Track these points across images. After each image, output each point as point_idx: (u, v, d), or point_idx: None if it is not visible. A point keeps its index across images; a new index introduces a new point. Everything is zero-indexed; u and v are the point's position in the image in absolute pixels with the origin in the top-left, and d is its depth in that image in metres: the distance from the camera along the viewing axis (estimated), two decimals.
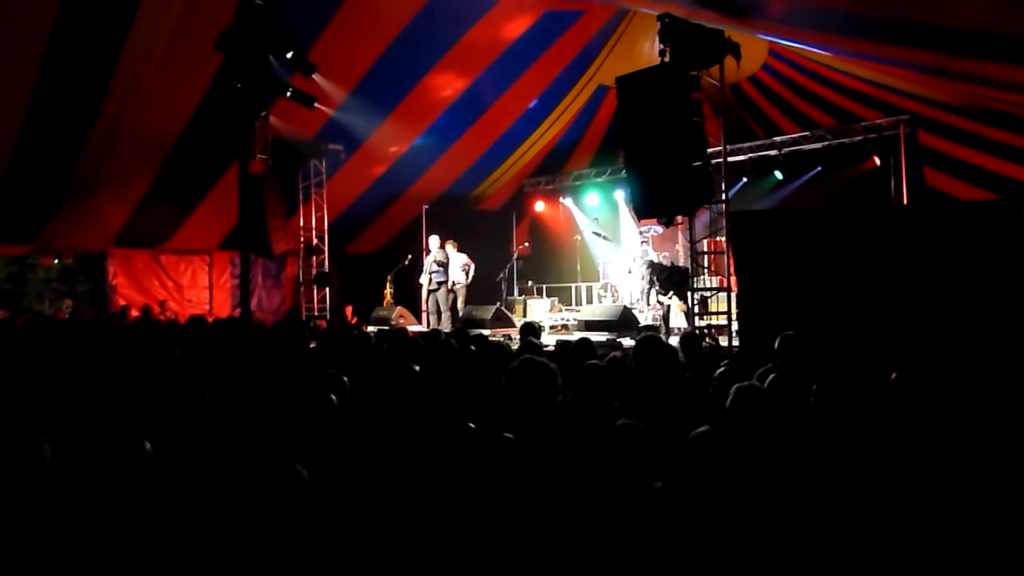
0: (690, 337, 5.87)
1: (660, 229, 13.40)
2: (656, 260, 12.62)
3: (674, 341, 7.55)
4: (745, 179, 13.71)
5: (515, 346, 7.03)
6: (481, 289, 13.60)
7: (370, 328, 11.74)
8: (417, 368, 4.18)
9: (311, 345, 6.58)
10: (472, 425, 2.98)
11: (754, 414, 3.16)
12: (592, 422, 3.06)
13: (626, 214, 15.45)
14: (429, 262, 12.17)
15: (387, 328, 10.82)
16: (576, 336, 10.32)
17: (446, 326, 11.20)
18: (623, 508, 2.63)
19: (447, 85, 12.66)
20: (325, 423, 3.43)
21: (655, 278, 10.98)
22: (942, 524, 2.68)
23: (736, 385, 3.28)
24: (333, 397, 3.62)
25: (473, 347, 5.18)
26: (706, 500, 2.60)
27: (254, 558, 2.22)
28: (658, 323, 11.58)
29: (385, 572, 2.49)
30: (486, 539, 2.52)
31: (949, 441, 3.14)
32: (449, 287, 12.15)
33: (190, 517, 2.44)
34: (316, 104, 11.15)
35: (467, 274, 12.22)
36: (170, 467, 2.78)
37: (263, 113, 11.30)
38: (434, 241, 12.33)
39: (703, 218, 10.14)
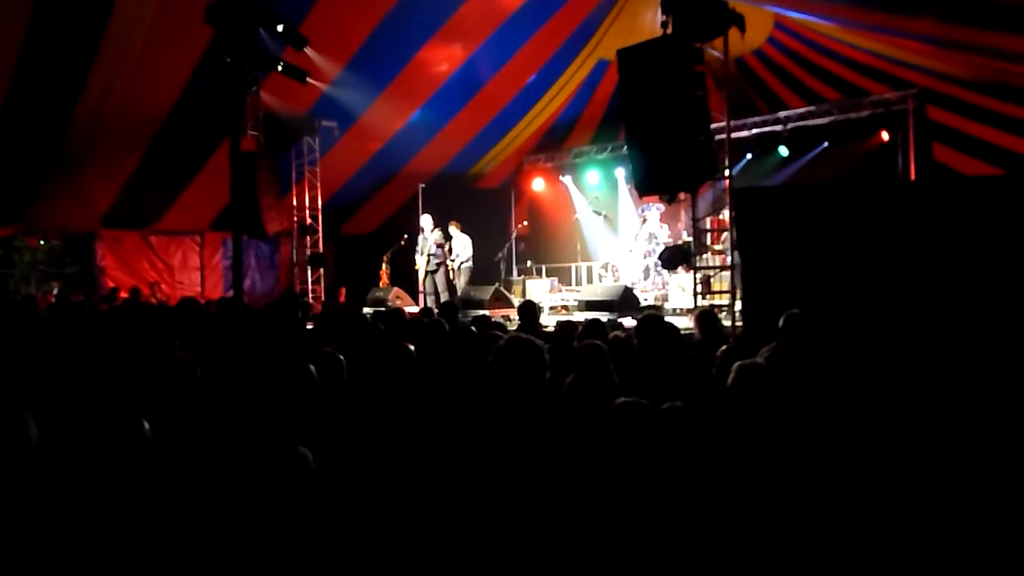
0: (706, 314, 5.83)
1: (662, 207, 13.38)
2: (661, 236, 12.65)
3: (679, 321, 7.57)
4: (750, 155, 13.69)
5: (514, 327, 7.05)
6: (479, 269, 13.60)
7: (366, 310, 11.77)
8: (412, 348, 4.23)
9: (307, 326, 6.59)
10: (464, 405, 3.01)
11: (756, 392, 3.17)
12: (593, 401, 3.08)
13: (627, 193, 15.44)
14: (429, 243, 12.18)
15: (383, 309, 10.91)
16: (577, 317, 10.44)
17: None
18: (620, 486, 2.65)
19: (443, 59, 12.58)
20: (321, 402, 3.44)
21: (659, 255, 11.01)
22: (947, 510, 2.70)
23: (738, 363, 3.28)
24: (329, 376, 3.65)
25: (474, 328, 5.19)
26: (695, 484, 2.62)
27: (258, 542, 2.22)
28: (660, 303, 11.61)
29: (385, 556, 2.51)
30: (482, 523, 2.55)
31: (954, 422, 3.16)
32: (454, 268, 12.22)
33: (191, 501, 2.45)
34: (308, 79, 11.07)
35: (468, 255, 12.35)
36: (167, 448, 2.79)
37: (254, 88, 11.24)
38: (427, 221, 12.33)
39: (706, 195, 10.12)
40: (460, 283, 12.25)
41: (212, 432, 3.16)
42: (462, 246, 12.48)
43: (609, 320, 9.08)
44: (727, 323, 8.65)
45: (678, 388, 3.59)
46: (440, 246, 12.11)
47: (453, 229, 12.27)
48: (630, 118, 8.85)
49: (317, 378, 3.45)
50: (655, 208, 13.14)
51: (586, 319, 5.32)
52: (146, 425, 2.52)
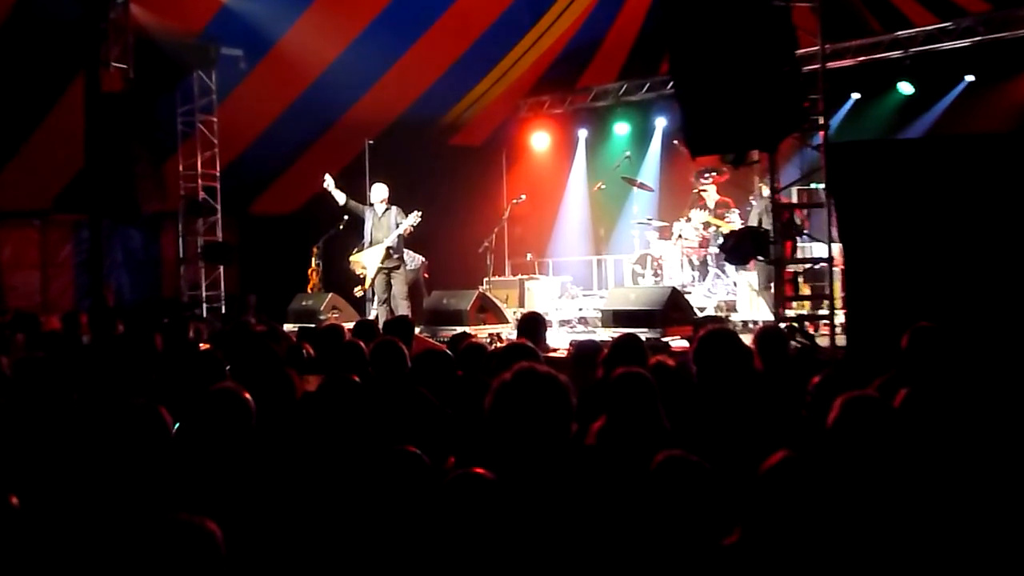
0: (770, 334, 5.89)
1: (722, 173, 13.40)
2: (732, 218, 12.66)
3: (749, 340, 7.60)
4: (856, 95, 13.71)
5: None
6: (454, 265, 13.61)
7: (288, 327, 11.72)
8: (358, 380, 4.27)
9: (201, 347, 6.63)
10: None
11: (870, 438, 3.21)
12: (635, 459, 3.12)
13: (671, 152, 15.46)
14: (384, 227, 12.03)
15: (312, 326, 10.85)
16: (603, 334, 10.44)
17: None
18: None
19: None
20: (203, 462, 3.53)
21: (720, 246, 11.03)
22: None
23: (844, 396, 3.32)
24: (229, 425, 3.73)
25: (450, 352, 5.24)
26: (793, 561, 2.67)
27: None
28: (725, 313, 11.62)
29: None
30: None
31: None
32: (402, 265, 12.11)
33: None
34: None
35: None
36: None
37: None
38: (378, 192, 12.24)
39: (791, 156, 10.15)
40: (396, 288, 12.09)
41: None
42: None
43: (650, 339, 9.10)
44: (824, 341, 8.71)
45: (757, 436, 3.64)
46: (400, 236, 11.99)
47: (416, 213, 12.05)
48: (677, 42, 8.88)
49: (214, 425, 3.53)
50: (713, 175, 13.15)
51: (615, 336, 5.36)
52: None
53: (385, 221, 11.96)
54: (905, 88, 13.32)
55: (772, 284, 9.60)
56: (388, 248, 11.76)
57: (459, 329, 10.59)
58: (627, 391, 3.80)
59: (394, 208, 12.00)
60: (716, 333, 4.53)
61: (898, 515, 3.04)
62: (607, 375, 4.39)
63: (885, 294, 6.59)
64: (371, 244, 12.00)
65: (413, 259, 13.16)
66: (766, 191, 11.61)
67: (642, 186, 14.70)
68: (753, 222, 11.41)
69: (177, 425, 3.86)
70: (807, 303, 9.37)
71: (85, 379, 5.33)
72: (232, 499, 3.35)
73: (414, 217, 11.77)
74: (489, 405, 3.18)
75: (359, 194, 12.69)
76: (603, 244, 15.31)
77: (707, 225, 12.97)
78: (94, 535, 3.06)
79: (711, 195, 13.14)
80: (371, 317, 11.76)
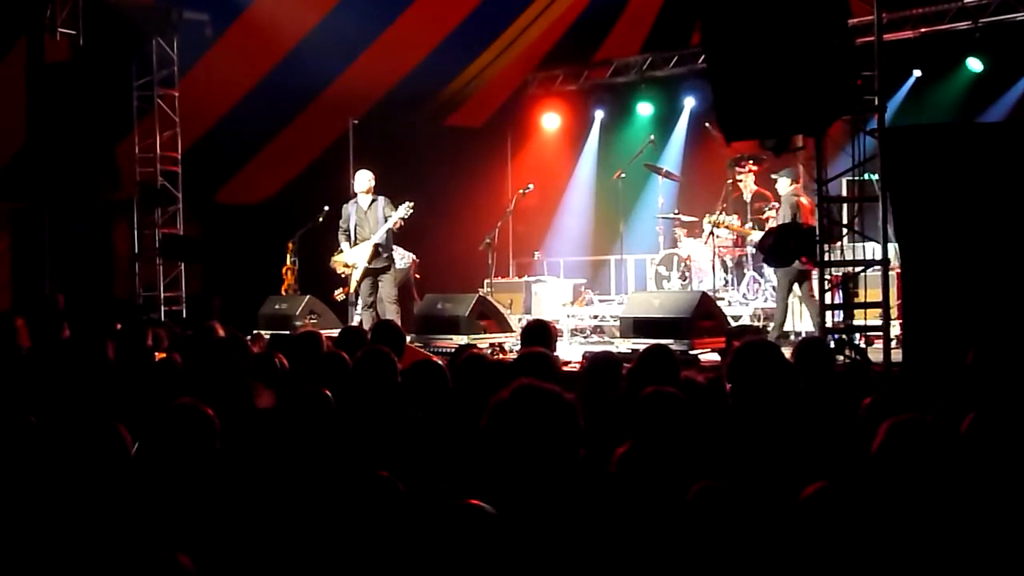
0: (812, 346, 5.86)
1: (762, 161, 13.37)
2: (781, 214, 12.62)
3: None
4: (917, 73, 13.73)
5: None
6: (450, 265, 13.59)
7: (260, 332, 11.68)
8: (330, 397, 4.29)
9: (156, 358, 6.61)
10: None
11: (922, 468, 3.22)
12: (664, 488, 3.14)
13: (701, 136, 15.44)
14: (370, 221, 12.01)
15: (287, 333, 10.82)
16: (622, 345, 10.40)
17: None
18: None
19: None
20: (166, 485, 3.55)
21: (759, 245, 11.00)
22: None
23: (891, 420, 3.33)
24: (189, 444, 3.75)
25: (456, 366, 5.24)
26: None
27: None
28: (762, 322, 11.58)
29: None
30: None
31: None
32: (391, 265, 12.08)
33: None
34: None
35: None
36: None
37: None
38: (362, 181, 12.20)
39: (841, 142, 10.10)
40: (384, 291, 12.09)
41: None
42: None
43: (679, 351, 9.08)
44: (878, 356, 8.66)
45: (799, 464, 3.62)
46: (389, 231, 11.94)
47: (406, 204, 12.03)
48: (710, 9, 8.85)
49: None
50: (750, 163, 13.13)
51: (638, 349, 5.33)
52: None
53: (372, 214, 11.93)
54: (974, 64, 13.30)
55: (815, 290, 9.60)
56: (376, 245, 11.72)
57: (455, 338, 10.58)
58: (659, 413, 3.80)
59: (381, 199, 11.98)
60: (755, 346, 4.49)
61: (951, 555, 3.03)
62: (632, 393, 4.37)
63: (948, 303, 6.55)
64: (356, 242, 11.96)
65: (403, 256, 13.10)
66: (784, 187, 11.66)
67: (668, 175, 14.68)
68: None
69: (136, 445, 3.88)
70: (858, 312, 9.30)
71: (24, 392, 5.31)
72: (197, 527, 3.40)
73: (404, 209, 11.71)
74: (485, 426, 3.17)
75: (342, 182, 12.67)
76: (622, 242, 15.24)
77: (733, 230, 12.93)
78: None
79: (748, 186, 13.11)
80: (354, 323, 11.74)
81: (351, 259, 11.93)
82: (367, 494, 3.18)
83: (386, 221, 11.68)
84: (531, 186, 15.05)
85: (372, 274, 11.90)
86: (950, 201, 6.73)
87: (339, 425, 4.31)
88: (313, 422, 4.20)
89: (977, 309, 6.33)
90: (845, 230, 10.26)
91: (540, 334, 6.55)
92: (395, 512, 3.12)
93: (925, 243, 6.91)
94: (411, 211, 11.73)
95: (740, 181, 13.15)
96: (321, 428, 4.20)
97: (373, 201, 11.93)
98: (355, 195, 12.13)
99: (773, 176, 11.94)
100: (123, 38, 12.91)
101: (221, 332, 7.24)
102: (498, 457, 3.12)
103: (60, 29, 11.15)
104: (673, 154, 15.93)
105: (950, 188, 6.75)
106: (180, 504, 3.53)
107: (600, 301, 14.60)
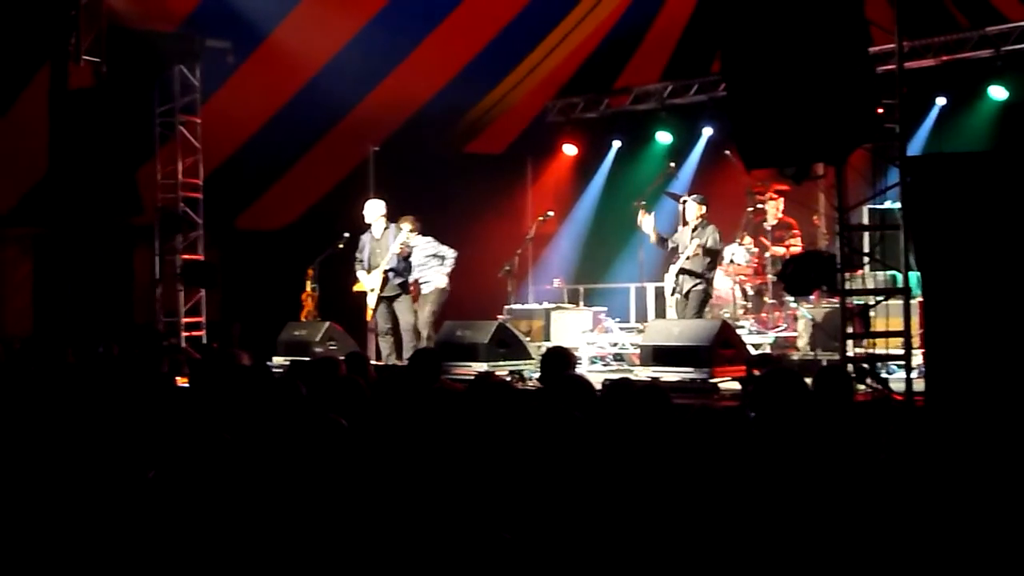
0: (832, 375, 5.84)
1: (782, 193, 13.36)
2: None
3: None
4: (942, 100, 13.70)
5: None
6: (470, 292, 13.57)
7: (278, 360, 11.71)
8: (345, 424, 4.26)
9: (177, 383, 6.64)
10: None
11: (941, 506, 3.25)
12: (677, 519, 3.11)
13: (720, 164, 15.42)
14: (385, 249, 12.06)
15: (306, 360, 10.82)
16: (641, 373, 10.37)
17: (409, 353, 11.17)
18: None
19: None
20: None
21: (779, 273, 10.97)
22: None
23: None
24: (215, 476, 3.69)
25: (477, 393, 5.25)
26: None
27: None
28: (778, 351, 11.54)
29: None
30: None
31: None
32: (415, 292, 12.12)
33: None
34: None
35: (443, 269, 12.28)
36: None
37: None
38: (374, 209, 12.27)
39: (862, 170, 10.09)
40: (423, 316, 12.17)
41: None
42: (423, 255, 12.34)
43: (696, 380, 9.06)
44: (899, 385, 8.62)
45: (819, 496, 3.59)
46: (406, 257, 12.01)
47: (407, 231, 12.10)
48: (730, 37, 8.87)
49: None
50: (773, 194, 13.12)
51: (657, 377, 5.32)
52: None
53: (384, 242, 12.01)
54: (997, 93, 13.26)
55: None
56: (387, 272, 11.79)
57: (474, 365, 10.57)
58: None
59: (393, 226, 12.04)
60: (777, 374, 4.49)
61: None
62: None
63: (971, 333, 6.50)
64: (370, 268, 12.06)
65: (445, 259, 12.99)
66: (692, 212, 11.86)
67: (688, 202, 14.61)
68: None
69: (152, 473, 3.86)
70: (882, 340, 9.25)
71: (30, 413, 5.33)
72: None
73: (404, 233, 11.91)
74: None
75: (362, 209, 12.69)
76: (642, 269, 15.19)
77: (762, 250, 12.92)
78: None
79: (771, 214, 13.10)
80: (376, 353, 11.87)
81: (368, 284, 12.04)
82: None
83: (396, 256, 11.84)
84: (551, 213, 15.11)
85: (386, 301, 11.99)
86: (973, 229, 6.70)
87: (354, 451, 4.27)
88: (331, 451, 4.16)
89: (1001, 340, 6.29)
90: (867, 258, 10.26)
91: (559, 360, 6.57)
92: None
93: (948, 272, 6.88)
94: (410, 234, 11.83)
95: (765, 206, 13.16)
96: (337, 456, 4.15)
97: (385, 229, 12.03)
98: (370, 225, 12.21)
99: (684, 199, 12.21)
100: (146, 65, 13.00)
101: (246, 360, 7.28)
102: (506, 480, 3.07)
103: (84, 56, 11.20)
104: (687, 183, 15.87)
105: (974, 217, 6.72)
106: (200, 537, 3.50)
107: (620, 329, 14.56)
